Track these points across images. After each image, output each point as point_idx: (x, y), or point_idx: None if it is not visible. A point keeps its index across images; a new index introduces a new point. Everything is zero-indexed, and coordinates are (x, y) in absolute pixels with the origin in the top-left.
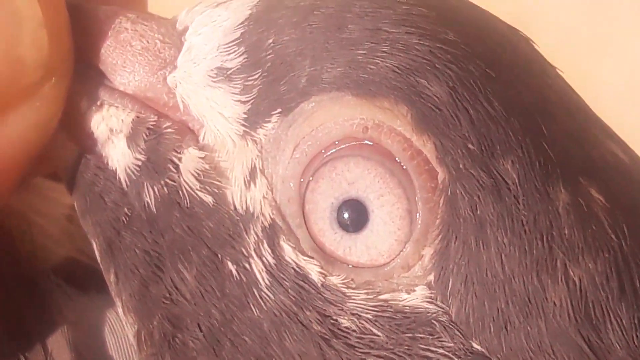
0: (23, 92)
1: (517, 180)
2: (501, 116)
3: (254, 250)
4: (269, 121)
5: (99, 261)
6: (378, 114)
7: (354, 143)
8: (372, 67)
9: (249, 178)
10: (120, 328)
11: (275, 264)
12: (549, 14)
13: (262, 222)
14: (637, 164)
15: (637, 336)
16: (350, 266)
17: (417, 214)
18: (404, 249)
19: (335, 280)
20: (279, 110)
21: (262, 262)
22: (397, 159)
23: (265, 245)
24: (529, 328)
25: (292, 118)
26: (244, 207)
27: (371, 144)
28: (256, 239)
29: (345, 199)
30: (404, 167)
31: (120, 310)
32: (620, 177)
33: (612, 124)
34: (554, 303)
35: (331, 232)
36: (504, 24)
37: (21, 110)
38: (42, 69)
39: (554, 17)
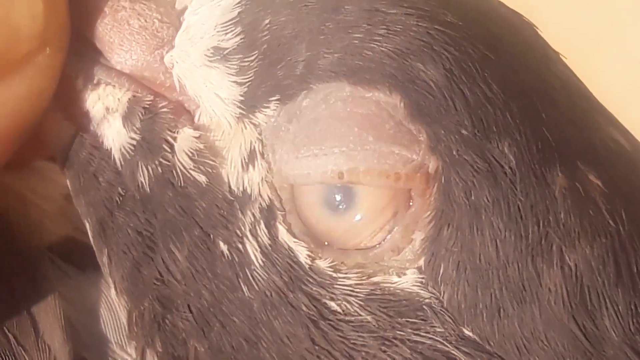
0: (17, 62)
1: (513, 164)
2: (499, 98)
3: (250, 230)
4: (268, 107)
5: (92, 242)
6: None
7: None
8: (369, 52)
9: (247, 160)
10: (117, 306)
11: (270, 245)
12: (548, 11)
13: (260, 204)
14: (639, 151)
15: (633, 323)
16: (338, 249)
17: (409, 202)
18: (393, 233)
19: (322, 263)
20: (277, 97)
21: (257, 242)
22: None
23: (262, 225)
24: (522, 315)
25: (292, 111)
26: (241, 188)
27: None
28: (252, 219)
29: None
30: None
31: (112, 291)
32: (620, 163)
33: None
34: (549, 289)
35: (320, 214)
36: (507, 8)
37: (15, 79)
38: (37, 39)
39: (554, 14)
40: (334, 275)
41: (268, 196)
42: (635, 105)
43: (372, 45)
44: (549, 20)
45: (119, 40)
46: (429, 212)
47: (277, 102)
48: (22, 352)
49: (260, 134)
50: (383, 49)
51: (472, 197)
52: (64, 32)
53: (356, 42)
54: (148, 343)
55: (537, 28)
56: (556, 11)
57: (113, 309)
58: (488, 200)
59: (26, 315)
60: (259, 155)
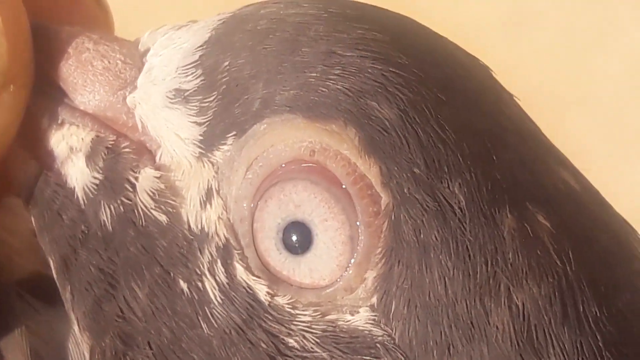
0: None
1: (463, 204)
2: (451, 140)
3: (208, 269)
4: (225, 144)
5: (55, 278)
6: (325, 137)
7: (303, 165)
8: (324, 89)
9: (204, 198)
10: (82, 341)
11: (227, 283)
12: (548, 10)
13: (216, 242)
14: (589, 192)
15: None
16: (294, 287)
17: (360, 239)
18: (346, 272)
19: (281, 300)
20: (233, 132)
21: (215, 280)
22: (342, 184)
23: (219, 264)
24: (472, 352)
25: (245, 140)
26: (199, 227)
27: (318, 167)
28: (210, 258)
29: (291, 220)
30: (348, 191)
31: (75, 328)
32: (569, 204)
33: (612, 120)
34: (497, 327)
35: (276, 253)
36: (462, 51)
37: None
38: (1, 77)
39: (553, 13)
40: (293, 312)
41: (224, 235)
42: (633, 103)
43: (328, 83)
44: (548, 19)
45: (83, 81)
46: (379, 249)
47: (233, 137)
48: None
49: (216, 172)
50: (339, 87)
51: (422, 236)
52: (28, 70)
53: (312, 80)
54: None
55: (492, 71)
56: (555, 10)
57: (79, 343)
58: (437, 239)
59: None
60: (215, 193)
